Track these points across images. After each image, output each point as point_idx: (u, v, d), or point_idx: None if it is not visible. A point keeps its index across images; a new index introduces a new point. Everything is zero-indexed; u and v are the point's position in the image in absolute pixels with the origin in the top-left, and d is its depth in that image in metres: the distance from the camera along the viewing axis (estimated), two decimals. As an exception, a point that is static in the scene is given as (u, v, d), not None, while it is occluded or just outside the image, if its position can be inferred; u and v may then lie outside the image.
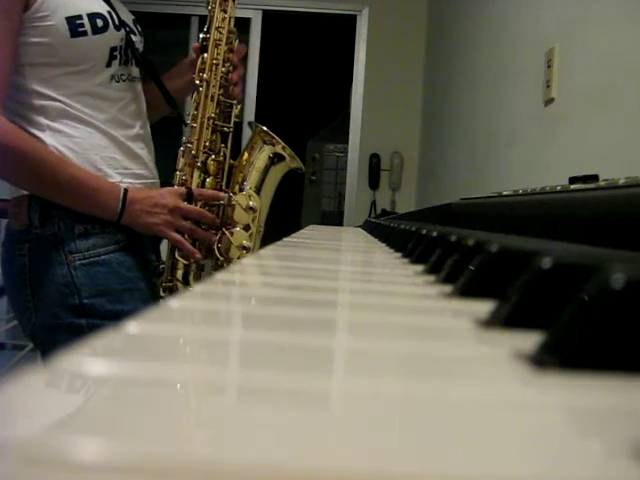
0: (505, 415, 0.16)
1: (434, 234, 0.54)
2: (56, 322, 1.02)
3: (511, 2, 1.93)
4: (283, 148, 1.20)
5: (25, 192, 1.03)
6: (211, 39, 1.19)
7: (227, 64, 1.18)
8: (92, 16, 1.04)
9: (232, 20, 1.21)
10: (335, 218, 4.17)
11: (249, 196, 1.16)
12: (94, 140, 1.05)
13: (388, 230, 0.99)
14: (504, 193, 0.83)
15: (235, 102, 1.18)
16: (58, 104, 1.04)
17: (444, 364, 0.22)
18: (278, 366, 0.20)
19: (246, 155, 1.19)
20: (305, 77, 5.19)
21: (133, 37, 1.12)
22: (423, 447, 0.13)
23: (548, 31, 1.53)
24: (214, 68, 1.17)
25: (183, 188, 1.10)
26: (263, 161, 1.19)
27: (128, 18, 1.14)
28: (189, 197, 1.09)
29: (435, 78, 3.25)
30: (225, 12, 1.21)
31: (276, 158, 1.20)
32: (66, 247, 1.02)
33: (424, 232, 0.59)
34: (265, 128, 1.20)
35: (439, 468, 0.12)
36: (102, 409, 0.15)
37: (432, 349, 0.23)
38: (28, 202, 1.03)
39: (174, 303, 0.28)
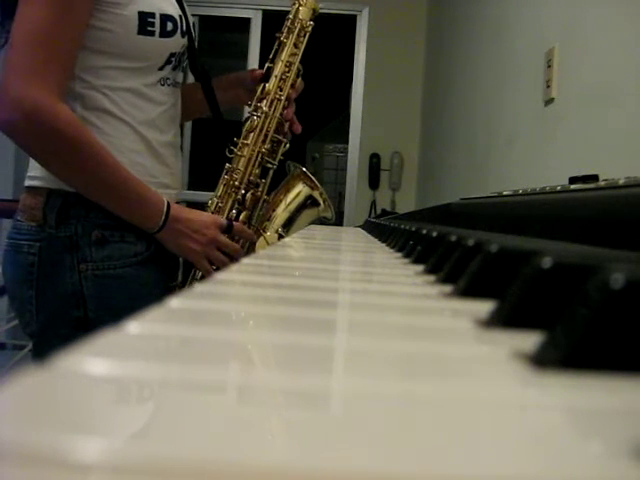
0: (505, 415, 0.16)
1: (434, 234, 0.54)
2: (55, 331, 0.98)
3: (511, 2, 1.93)
4: (320, 194, 1.21)
5: (44, 186, 0.98)
6: (277, 71, 1.17)
7: (285, 100, 1.17)
8: (164, 17, 1.01)
9: (300, 57, 1.19)
10: (335, 218, 4.17)
11: (279, 238, 1.16)
12: (126, 142, 1.01)
13: (388, 230, 0.99)
14: (504, 193, 0.83)
15: (285, 140, 1.17)
16: (99, 95, 0.99)
17: (444, 364, 0.22)
18: (278, 366, 0.20)
19: (282, 194, 1.20)
20: (305, 77, 5.19)
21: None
22: (423, 447, 0.13)
23: (548, 31, 1.53)
24: (276, 103, 1.16)
25: (225, 220, 1.08)
26: (298, 204, 1.20)
27: (190, 22, 1.10)
28: (228, 229, 1.08)
29: (435, 78, 3.25)
30: (297, 47, 1.19)
31: (310, 201, 1.21)
32: (80, 253, 0.97)
33: (424, 232, 0.59)
34: (305, 169, 1.21)
35: (439, 468, 0.12)
36: (102, 409, 0.15)
37: (432, 349, 0.23)
38: (46, 198, 0.98)
39: (174, 303, 0.28)
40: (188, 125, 3.67)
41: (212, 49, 4.24)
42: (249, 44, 3.63)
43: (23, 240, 0.99)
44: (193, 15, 3.83)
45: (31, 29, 0.90)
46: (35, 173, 1.01)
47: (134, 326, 0.22)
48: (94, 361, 0.18)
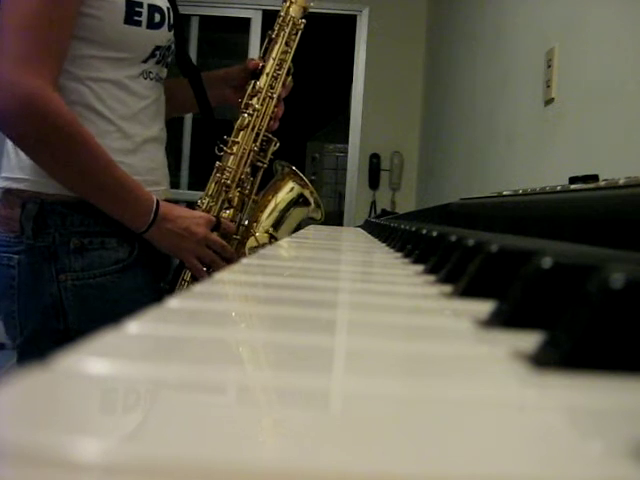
0: (505, 415, 0.16)
1: (434, 234, 0.54)
2: (37, 344, 0.95)
3: (511, 2, 1.93)
4: (311, 193, 1.20)
5: (19, 195, 0.95)
6: (268, 69, 1.16)
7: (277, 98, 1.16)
8: (152, 8, 0.98)
9: (292, 55, 1.18)
10: (335, 218, 4.17)
11: (270, 238, 1.16)
12: (107, 140, 0.97)
13: (388, 230, 0.99)
14: (504, 193, 0.83)
15: (276, 139, 1.16)
16: (82, 87, 0.96)
17: (444, 364, 0.22)
18: (276, 366, 0.20)
19: (271, 193, 1.19)
20: (305, 77, 5.19)
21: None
22: (423, 447, 0.13)
23: (548, 31, 1.53)
24: (268, 101, 1.15)
25: (213, 217, 1.07)
26: (288, 203, 1.19)
27: (180, 17, 1.08)
28: (216, 227, 1.07)
29: (435, 78, 3.25)
30: (288, 45, 1.18)
31: (301, 199, 1.20)
32: (59, 263, 0.94)
33: (424, 232, 0.59)
34: (294, 168, 1.20)
35: (439, 468, 0.12)
36: (102, 409, 0.15)
37: (432, 349, 0.23)
38: (22, 207, 0.94)
39: (174, 303, 0.28)
40: (188, 125, 3.67)
41: (212, 49, 4.24)
42: (249, 44, 3.63)
43: (2, 252, 0.96)
44: (193, 15, 3.81)
45: (23, 16, 0.87)
46: (11, 174, 0.97)
47: (133, 326, 0.22)
48: (94, 361, 0.18)
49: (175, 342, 0.22)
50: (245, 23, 3.66)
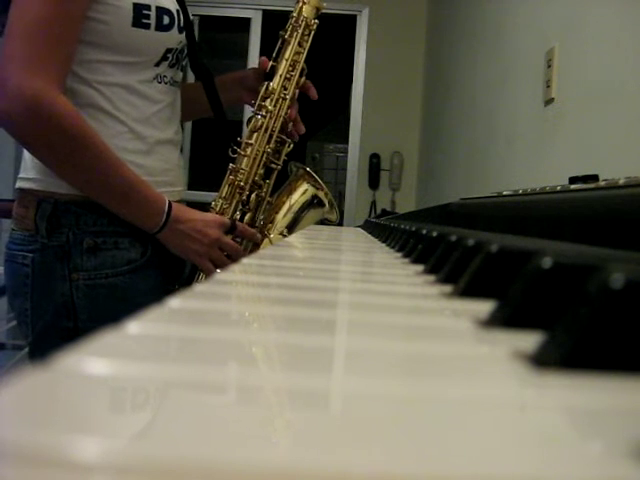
0: (505, 415, 0.16)
1: (434, 234, 0.54)
2: (48, 343, 0.95)
3: (511, 2, 1.93)
4: (325, 194, 1.20)
5: (33, 194, 0.96)
6: (281, 70, 1.15)
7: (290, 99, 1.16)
8: (160, 10, 0.98)
9: (305, 56, 1.18)
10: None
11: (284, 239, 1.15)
12: (120, 141, 0.97)
13: (388, 230, 0.99)
14: (504, 193, 0.83)
15: (289, 140, 1.16)
16: (91, 91, 0.96)
17: (444, 364, 0.22)
18: (278, 366, 0.20)
19: (286, 195, 1.19)
20: (305, 77, 5.17)
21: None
22: (423, 447, 0.13)
23: (548, 31, 1.53)
24: (281, 102, 1.14)
25: (228, 220, 1.06)
26: (302, 205, 1.19)
27: (191, 19, 1.08)
28: (231, 230, 1.06)
29: (435, 78, 3.25)
30: (301, 46, 1.18)
31: (315, 201, 1.20)
32: (71, 263, 0.95)
33: (424, 232, 0.59)
34: (309, 169, 1.20)
35: (439, 468, 0.12)
36: (102, 409, 0.15)
37: (432, 349, 0.23)
38: (36, 207, 0.95)
39: (174, 303, 0.28)
40: (188, 125, 3.67)
41: (212, 49, 4.24)
42: (249, 44, 3.63)
43: (17, 250, 0.97)
44: (193, 15, 3.82)
45: (31, 19, 0.88)
46: (25, 174, 0.98)
47: (134, 326, 0.22)
48: (94, 361, 0.18)
49: (176, 342, 0.22)
50: (245, 23, 3.66)
